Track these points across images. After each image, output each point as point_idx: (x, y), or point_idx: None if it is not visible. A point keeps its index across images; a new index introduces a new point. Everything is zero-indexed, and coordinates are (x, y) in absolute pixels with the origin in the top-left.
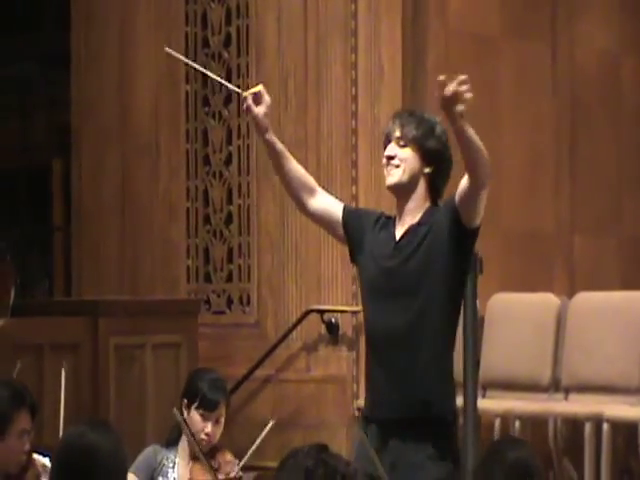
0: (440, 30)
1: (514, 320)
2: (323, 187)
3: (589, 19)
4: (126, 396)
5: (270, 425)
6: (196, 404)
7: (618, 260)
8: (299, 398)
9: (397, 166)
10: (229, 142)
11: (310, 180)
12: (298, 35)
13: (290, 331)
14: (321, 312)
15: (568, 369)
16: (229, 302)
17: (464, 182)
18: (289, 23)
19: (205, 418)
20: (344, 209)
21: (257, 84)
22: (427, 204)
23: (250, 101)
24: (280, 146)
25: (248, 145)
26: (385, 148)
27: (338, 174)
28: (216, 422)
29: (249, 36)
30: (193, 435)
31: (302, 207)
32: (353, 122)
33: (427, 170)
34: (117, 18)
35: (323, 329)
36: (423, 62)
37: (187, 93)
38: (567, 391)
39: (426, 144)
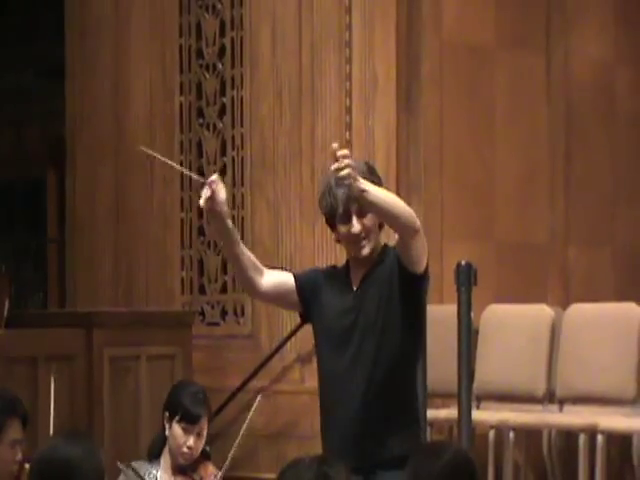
0: (434, 41)
1: (508, 331)
2: (317, 198)
3: (584, 30)
4: (121, 407)
5: (257, 402)
6: (177, 417)
7: (612, 271)
8: (293, 409)
9: (364, 237)
10: (223, 153)
11: (258, 262)
12: (292, 47)
13: (284, 342)
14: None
15: (562, 380)
16: (223, 313)
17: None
18: (283, 35)
19: (187, 432)
20: (295, 276)
21: (209, 177)
22: (380, 243)
23: (209, 193)
24: (237, 234)
25: (242, 157)
26: (339, 224)
27: None
28: (198, 435)
29: (243, 48)
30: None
31: (255, 288)
32: (347, 133)
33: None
34: (111, 30)
35: None
36: (417, 73)
37: (181, 104)
38: (561, 402)
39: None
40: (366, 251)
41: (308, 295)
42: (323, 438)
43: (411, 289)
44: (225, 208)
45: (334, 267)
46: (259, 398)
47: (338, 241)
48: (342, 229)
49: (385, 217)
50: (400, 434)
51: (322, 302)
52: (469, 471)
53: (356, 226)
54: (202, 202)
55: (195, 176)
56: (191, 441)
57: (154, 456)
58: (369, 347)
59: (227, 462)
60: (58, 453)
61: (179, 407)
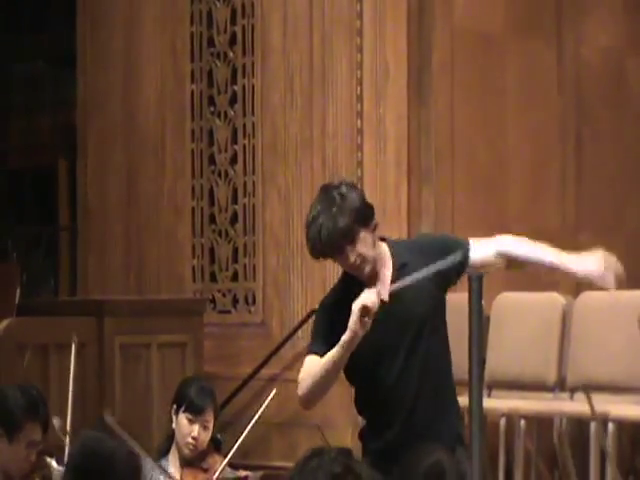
0: (445, 29)
1: (519, 319)
2: None
3: (594, 18)
4: (132, 395)
5: (272, 395)
6: (183, 408)
7: (623, 259)
8: None
9: (363, 261)
10: (234, 141)
11: None
12: (303, 35)
13: (295, 330)
14: None
15: (574, 368)
16: (234, 301)
17: (484, 253)
18: (294, 23)
19: (192, 422)
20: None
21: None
22: (383, 248)
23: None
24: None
25: (253, 145)
26: (335, 259)
27: (343, 174)
28: (203, 427)
29: (254, 36)
30: None
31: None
32: (358, 122)
33: (372, 228)
34: (122, 18)
35: None
36: (428, 61)
37: (192, 92)
38: (573, 390)
39: (362, 218)
40: (368, 271)
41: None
42: (369, 440)
43: (445, 290)
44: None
45: (344, 282)
46: (274, 391)
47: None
48: (339, 262)
49: None
50: (453, 419)
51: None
52: None
53: (352, 258)
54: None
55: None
56: (196, 431)
57: (163, 452)
58: (418, 346)
59: (232, 451)
60: (102, 446)
61: (184, 398)
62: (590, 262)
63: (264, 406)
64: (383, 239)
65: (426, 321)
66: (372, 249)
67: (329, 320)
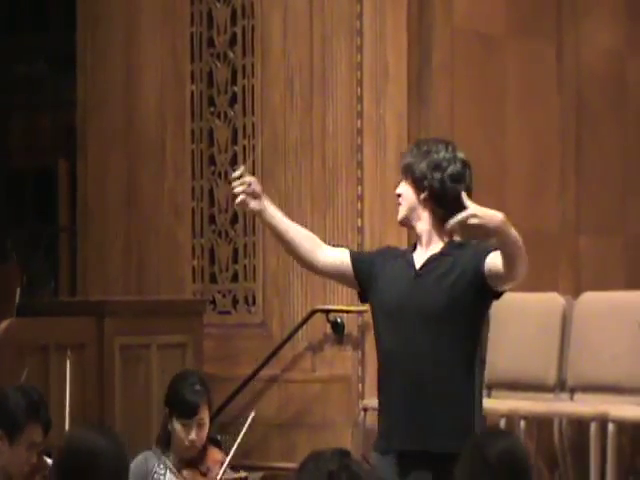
0: (446, 29)
1: (519, 320)
2: (328, 187)
3: (595, 19)
4: (132, 396)
5: (250, 418)
6: (176, 413)
7: (623, 259)
8: (304, 398)
9: (399, 203)
10: (234, 142)
11: (312, 239)
12: (303, 35)
13: (295, 331)
14: (326, 312)
15: (573, 369)
16: (234, 302)
17: (498, 261)
18: (294, 23)
19: (187, 426)
20: (351, 254)
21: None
22: (442, 229)
23: (243, 194)
24: (278, 217)
25: (253, 145)
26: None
27: (343, 174)
28: (199, 426)
29: (254, 36)
30: None
31: (312, 267)
32: (358, 122)
33: (423, 196)
34: (122, 18)
35: (328, 329)
36: (429, 61)
37: (192, 93)
38: (572, 391)
39: (415, 171)
40: (398, 216)
41: (364, 274)
42: (379, 417)
43: (479, 297)
44: (259, 206)
45: (394, 248)
46: (252, 414)
47: None
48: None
49: (507, 250)
50: (447, 429)
51: (378, 278)
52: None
53: (399, 187)
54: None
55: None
56: (193, 435)
57: (163, 446)
58: (425, 331)
59: (230, 455)
60: (85, 443)
61: (176, 402)
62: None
63: (244, 429)
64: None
65: (437, 310)
66: (409, 207)
67: (369, 255)
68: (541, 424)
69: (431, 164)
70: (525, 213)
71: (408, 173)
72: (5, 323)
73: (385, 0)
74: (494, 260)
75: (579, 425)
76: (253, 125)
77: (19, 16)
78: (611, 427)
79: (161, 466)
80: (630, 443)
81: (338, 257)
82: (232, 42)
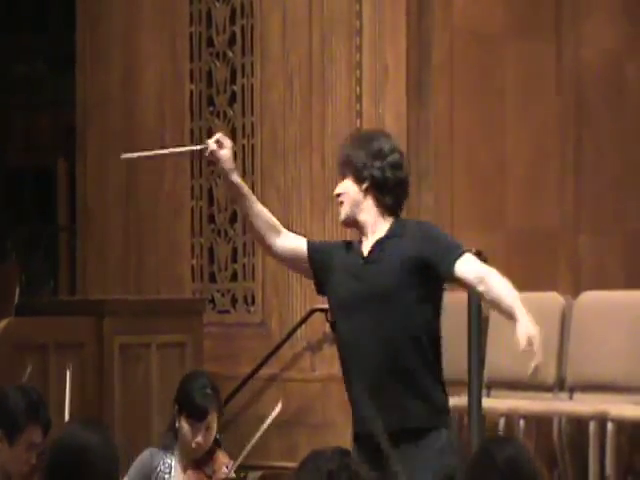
0: (445, 29)
1: None
2: (327, 187)
3: (594, 19)
4: (131, 395)
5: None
6: (185, 413)
7: (623, 259)
8: (304, 397)
9: (341, 203)
10: (233, 141)
11: (275, 221)
12: (303, 34)
13: (295, 330)
14: (325, 311)
15: (573, 368)
16: (234, 301)
17: (467, 271)
18: (294, 22)
19: (195, 428)
20: (308, 244)
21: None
22: (386, 217)
23: (214, 146)
24: (247, 188)
25: (252, 145)
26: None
27: None
28: (207, 429)
29: (254, 35)
30: None
31: (268, 248)
32: (358, 121)
33: (364, 186)
34: (122, 18)
35: (327, 328)
36: (428, 61)
37: (192, 92)
38: (572, 390)
39: (354, 161)
40: (340, 217)
41: (319, 265)
42: (352, 408)
43: (431, 278)
44: (230, 163)
45: (349, 241)
46: (278, 409)
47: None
48: None
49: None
50: (417, 405)
51: (333, 271)
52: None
53: (337, 189)
54: (207, 153)
55: (191, 148)
56: (199, 437)
57: (167, 446)
58: (378, 314)
59: (238, 461)
60: (74, 440)
61: (186, 403)
62: (532, 326)
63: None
64: (394, 213)
65: (387, 291)
66: (352, 203)
67: (325, 245)
68: (540, 423)
69: (370, 153)
70: (524, 212)
71: (348, 166)
72: (4, 322)
73: (384, 0)
74: (462, 269)
75: (578, 424)
76: (252, 124)
77: (19, 16)
78: (610, 426)
79: (166, 464)
80: (629, 442)
81: (296, 244)
82: (231, 42)
